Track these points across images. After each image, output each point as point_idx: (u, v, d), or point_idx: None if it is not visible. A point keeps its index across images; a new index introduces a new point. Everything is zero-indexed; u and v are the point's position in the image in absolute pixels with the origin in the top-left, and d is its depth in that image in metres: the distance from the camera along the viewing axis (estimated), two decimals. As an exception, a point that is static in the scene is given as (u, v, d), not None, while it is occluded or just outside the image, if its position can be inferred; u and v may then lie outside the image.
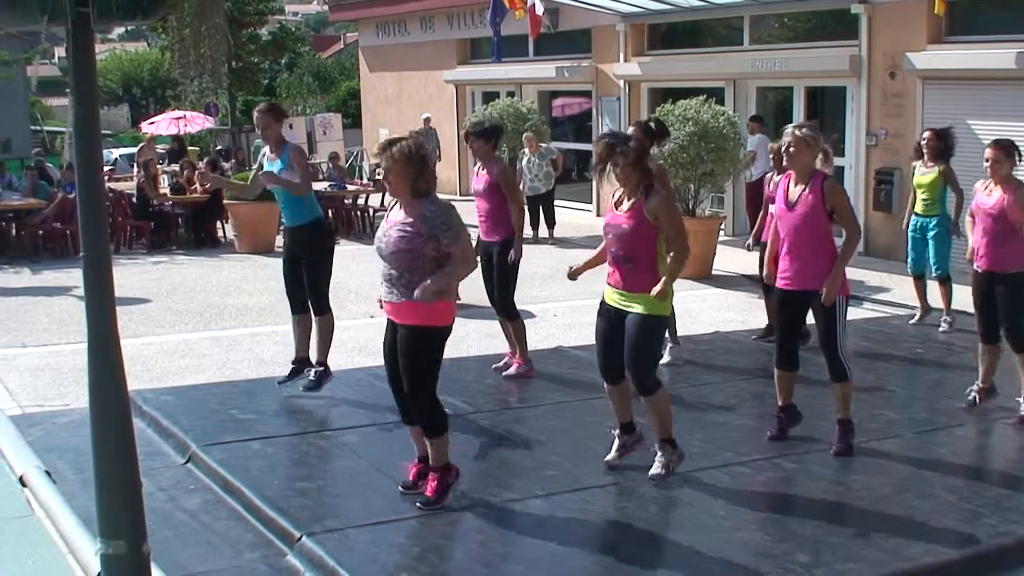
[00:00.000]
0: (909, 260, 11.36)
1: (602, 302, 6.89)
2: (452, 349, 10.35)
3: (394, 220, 6.22)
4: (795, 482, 6.94)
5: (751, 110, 18.76)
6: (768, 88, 19.24)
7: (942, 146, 11.08)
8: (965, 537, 6.00)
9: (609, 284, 6.83)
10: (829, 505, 6.54)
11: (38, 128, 36.39)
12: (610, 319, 6.81)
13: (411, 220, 6.14)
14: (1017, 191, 7.97)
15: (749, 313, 12.13)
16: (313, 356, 8.82)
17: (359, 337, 11.27)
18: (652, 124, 8.38)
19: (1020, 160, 8.24)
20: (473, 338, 11.28)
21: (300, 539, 5.88)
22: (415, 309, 6.16)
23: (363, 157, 29.54)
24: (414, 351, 6.27)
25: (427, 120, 24.87)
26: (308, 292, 8.73)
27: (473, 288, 13.61)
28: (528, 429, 7.96)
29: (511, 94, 23.56)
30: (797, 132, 7.21)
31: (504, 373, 9.38)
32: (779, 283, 7.40)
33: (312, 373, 8.82)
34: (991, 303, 8.10)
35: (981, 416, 8.21)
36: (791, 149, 7.17)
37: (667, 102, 16.01)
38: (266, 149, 8.71)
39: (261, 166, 8.73)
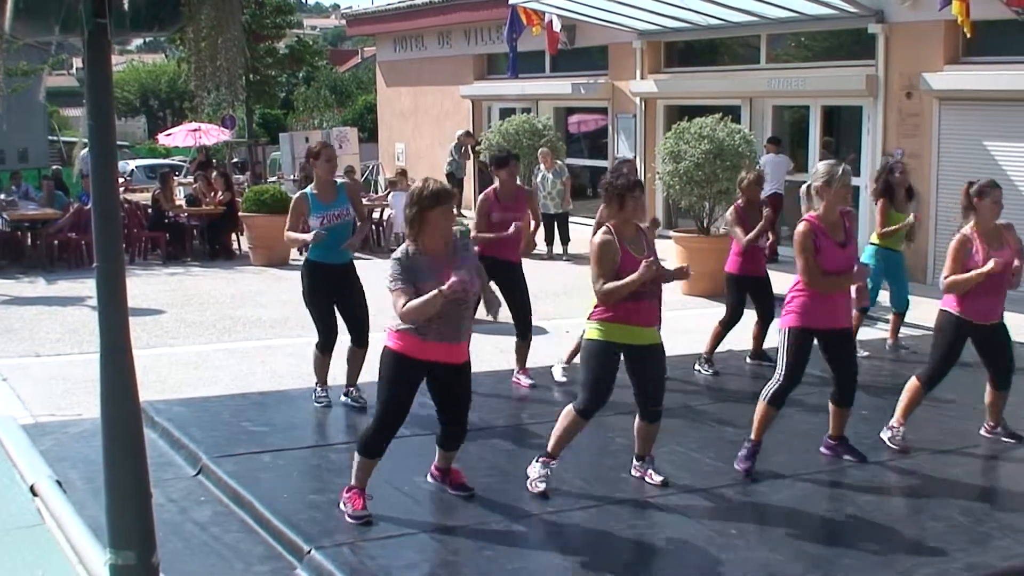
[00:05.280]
0: (876, 296, 11.06)
1: (626, 345, 6.69)
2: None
3: (445, 272, 6.01)
4: (807, 501, 6.89)
5: (767, 129, 18.77)
6: (784, 107, 19.22)
7: None
8: (978, 559, 5.96)
9: (641, 324, 6.67)
10: (841, 525, 6.51)
11: (55, 138, 36.51)
12: (617, 357, 6.76)
13: (466, 257, 6.36)
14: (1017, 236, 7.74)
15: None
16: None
17: (373, 351, 11.25)
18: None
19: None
20: (488, 353, 11.27)
21: (310, 553, 5.87)
22: (469, 342, 6.52)
23: (379, 171, 29.60)
24: (469, 380, 6.60)
25: (462, 136, 24.89)
26: (362, 322, 8.73)
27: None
28: (539, 445, 7.92)
29: (527, 110, 23.59)
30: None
31: (529, 382, 9.51)
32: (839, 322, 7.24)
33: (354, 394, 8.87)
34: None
35: (995, 438, 8.16)
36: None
37: (683, 119, 16.01)
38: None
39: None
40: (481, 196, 9.57)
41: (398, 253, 6.16)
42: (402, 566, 5.79)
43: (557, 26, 20.96)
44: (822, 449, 7.63)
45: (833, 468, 7.45)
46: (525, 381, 9.51)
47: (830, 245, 7.04)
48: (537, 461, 6.91)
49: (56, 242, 17.99)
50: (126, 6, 4.31)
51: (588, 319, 6.81)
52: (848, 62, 17.26)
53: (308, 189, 8.64)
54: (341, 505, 6.44)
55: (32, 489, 6.85)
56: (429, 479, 6.94)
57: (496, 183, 9.42)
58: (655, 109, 21.11)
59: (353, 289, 8.75)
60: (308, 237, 8.40)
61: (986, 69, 14.93)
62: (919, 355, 10.90)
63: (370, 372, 9.11)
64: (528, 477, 6.87)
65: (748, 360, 10.51)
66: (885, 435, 7.89)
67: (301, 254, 18.40)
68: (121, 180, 24.22)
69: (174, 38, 25.17)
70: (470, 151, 24.29)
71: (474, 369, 10.20)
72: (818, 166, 7.30)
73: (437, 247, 6.13)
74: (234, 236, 19.64)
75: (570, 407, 6.83)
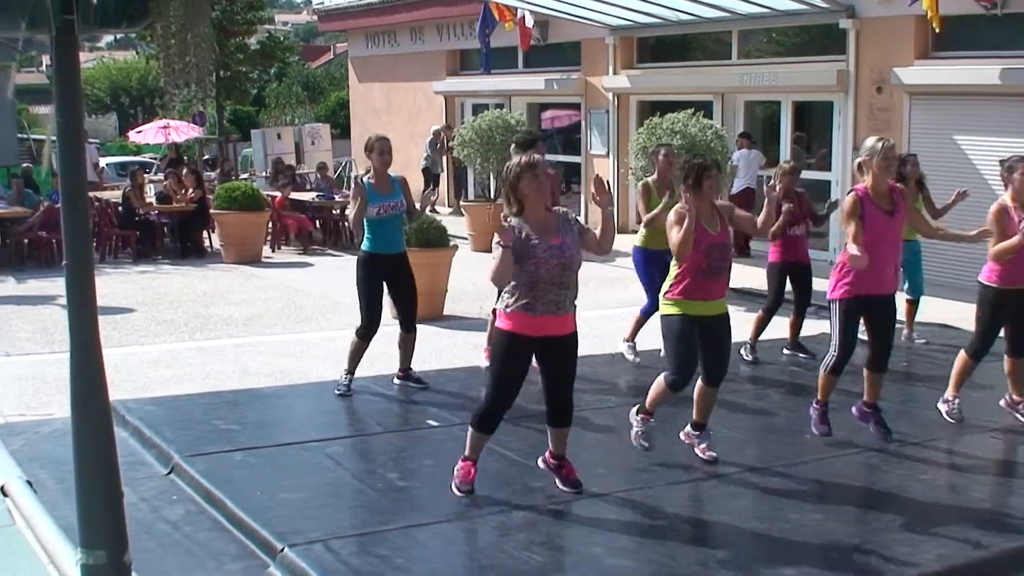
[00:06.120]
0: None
1: (700, 317, 7.09)
2: (436, 361, 10.40)
3: (554, 236, 6.27)
4: (775, 494, 6.91)
5: (739, 124, 18.82)
6: (756, 102, 19.28)
7: None
8: (949, 550, 5.99)
9: (710, 299, 7.14)
10: (809, 517, 6.50)
11: (24, 136, 36.24)
12: (695, 329, 7.11)
13: (571, 228, 6.41)
14: None
15: (735, 325, 12.14)
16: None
17: (345, 348, 11.21)
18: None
19: None
20: (460, 349, 11.27)
21: (282, 551, 5.85)
22: (574, 314, 6.51)
23: (351, 167, 29.52)
24: (577, 353, 6.61)
25: (437, 132, 24.92)
26: (411, 309, 9.10)
27: (459, 300, 13.64)
28: (514, 440, 7.93)
29: (500, 106, 23.57)
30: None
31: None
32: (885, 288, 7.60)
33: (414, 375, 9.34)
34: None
35: (962, 431, 8.22)
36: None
37: (655, 115, 16.03)
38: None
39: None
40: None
41: (510, 223, 6.33)
42: (375, 562, 5.78)
43: (530, 22, 20.96)
44: (852, 411, 8.03)
45: (802, 461, 7.49)
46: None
47: (876, 212, 7.41)
48: (637, 415, 7.47)
49: (26, 241, 17.86)
50: (94, 2, 4.28)
51: (664, 296, 7.19)
52: (819, 57, 17.33)
53: (365, 178, 8.91)
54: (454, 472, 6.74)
55: (2, 490, 6.81)
56: (541, 464, 6.93)
57: None
58: (628, 104, 21.14)
59: (406, 277, 9.04)
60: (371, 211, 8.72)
61: (956, 64, 15.02)
62: (931, 346, 11.03)
63: (420, 359, 9.20)
64: (632, 431, 7.48)
65: (784, 351, 10.71)
66: (942, 408, 8.37)
67: (274, 250, 18.25)
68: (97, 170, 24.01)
69: (144, 35, 25.03)
70: (446, 144, 24.29)
71: (451, 365, 10.36)
72: (865, 141, 7.67)
73: (537, 212, 6.33)
74: (205, 234, 19.56)
75: (661, 378, 7.25)
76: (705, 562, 5.91)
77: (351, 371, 9.07)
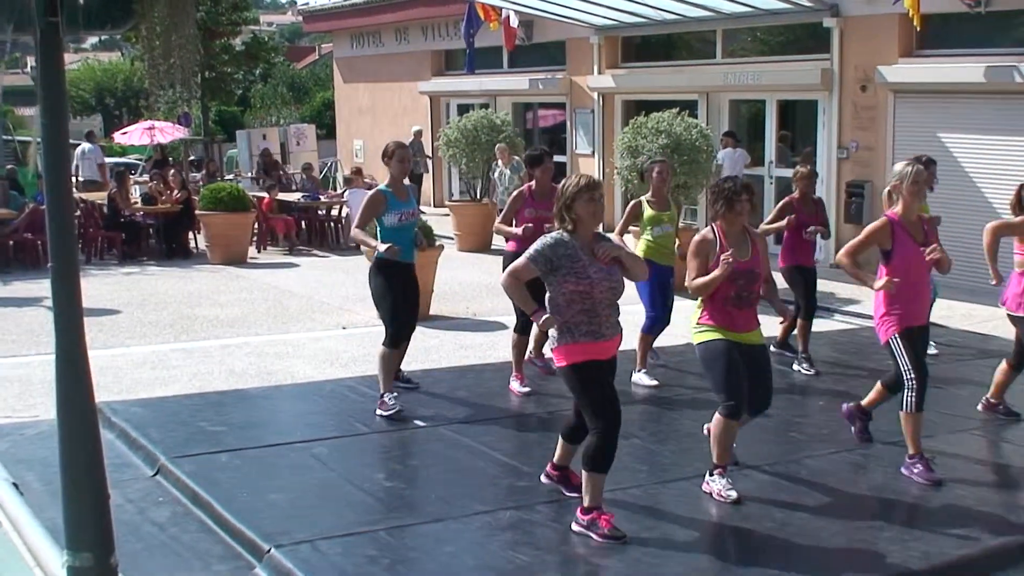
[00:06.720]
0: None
1: (737, 343, 6.72)
2: (422, 361, 10.40)
3: (595, 259, 6.10)
4: (763, 493, 6.94)
5: (724, 123, 18.86)
6: (741, 101, 19.33)
7: None
8: (933, 548, 6.02)
9: (743, 330, 6.75)
10: (798, 517, 6.53)
11: (10, 138, 36.12)
12: (736, 350, 6.75)
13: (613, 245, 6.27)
14: None
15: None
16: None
17: (331, 348, 11.25)
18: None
19: None
20: (446, 349, 11.28)
21: (269, 552, 5.85)
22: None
23: (337, 168, 29.49)
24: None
25: (418, 133, 24.90)
26: (414, 318, 9.00)
27: (446, 300, 13.65)
28: (499, 441, 7.95)
29: (485, 106, 23.56)
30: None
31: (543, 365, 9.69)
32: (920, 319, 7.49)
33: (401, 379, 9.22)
34: None
35: (946, 430, 8.26)
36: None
37: (640, 114, 16.06)
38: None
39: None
40: (515, 192, 9.55)
41: (556, 234, 6.20)
42: (362, 563, 5.79)
43: (514, 22, 20.98)
44: (843, 407, 8.10)
45: (787, 460, 7.51)
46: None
47: (908, 240, 7.23)
48: (712, 475, 6.84)
49: (12, 243, 17.79)
50: (79, 4, 4.28)
51: (695, 324, 6.86)
52: (803, 56, 17.38)
53: (384, 187, 8.73)
54: (577, 528, 6.21)
55: (-12, 492, 6.79)
56: (544, 479, 6.81)
57: (532, 181, 9.36)
58: (613, 104, 21.17)
59: (414, 286, 8.90)
60: (382, 248, 8.40)
61: (940, 62, 15.08)
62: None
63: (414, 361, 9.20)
64: (712, 492, 6.79)
65: (771, 348, 10.51)
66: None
67: (260, 251, 18.09)
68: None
69: (129, 36, 24.97)
70: (427, 146, 24.28)
71: (437, 365, 10.37)
72: (894, 167, 7.57)
73: (588, 233, 6.19)
74: (191, 235, 19.52)
75: (717, 415, 6.78)
76: (691, 562, 5.93)
77: (389, 387, 8.62)
